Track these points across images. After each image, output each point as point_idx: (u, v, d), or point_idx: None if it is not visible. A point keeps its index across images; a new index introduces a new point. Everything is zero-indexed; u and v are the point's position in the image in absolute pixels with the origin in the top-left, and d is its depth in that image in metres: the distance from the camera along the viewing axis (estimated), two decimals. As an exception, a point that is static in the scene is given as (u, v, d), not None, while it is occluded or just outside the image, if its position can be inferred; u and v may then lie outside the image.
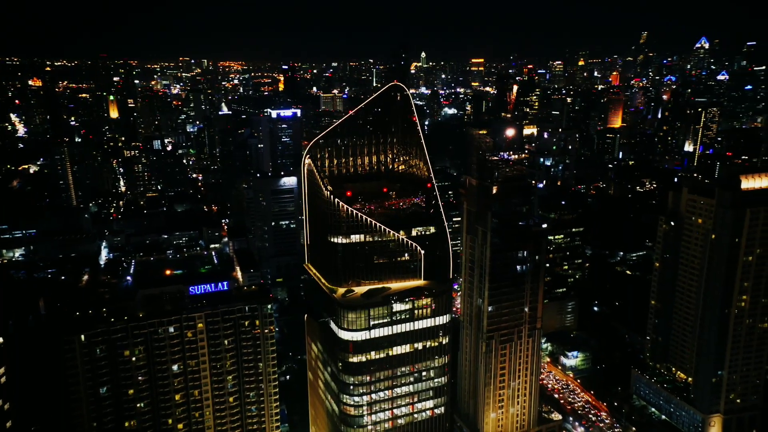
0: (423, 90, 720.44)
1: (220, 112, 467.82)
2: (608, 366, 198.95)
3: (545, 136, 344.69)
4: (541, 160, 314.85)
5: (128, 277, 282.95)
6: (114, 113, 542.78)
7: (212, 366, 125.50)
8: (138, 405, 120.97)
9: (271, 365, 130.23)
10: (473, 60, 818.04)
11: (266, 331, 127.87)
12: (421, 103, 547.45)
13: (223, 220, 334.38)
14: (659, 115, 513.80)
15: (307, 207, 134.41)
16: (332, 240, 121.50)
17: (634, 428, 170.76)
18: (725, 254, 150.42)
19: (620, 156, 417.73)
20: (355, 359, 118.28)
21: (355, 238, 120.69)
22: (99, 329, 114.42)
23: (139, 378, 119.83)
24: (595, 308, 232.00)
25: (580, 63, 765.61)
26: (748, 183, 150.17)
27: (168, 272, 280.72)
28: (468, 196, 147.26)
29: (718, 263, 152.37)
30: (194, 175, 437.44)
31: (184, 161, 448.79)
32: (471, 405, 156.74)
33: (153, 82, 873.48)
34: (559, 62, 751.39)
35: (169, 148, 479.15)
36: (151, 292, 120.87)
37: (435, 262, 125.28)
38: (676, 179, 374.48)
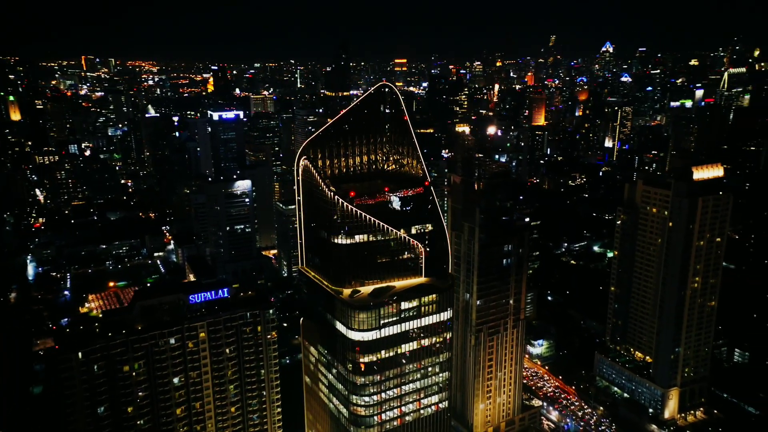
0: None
1: (147, 115, 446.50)
2: (570, 351, 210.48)
3: (499, 133, 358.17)
4: (496, 156, 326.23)
5: (65, 292, 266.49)
6: (15, 116, 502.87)
7: (214, 376, 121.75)
8: (138, 422, 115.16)
9: (273, 371, 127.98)
10: (396, 60, 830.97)
11: (268, 336, 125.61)
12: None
13: (164, 227, 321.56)
14: (576, 113, 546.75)
15: (303, 209, 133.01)
16: (335, 241, 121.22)
17: (601, 408, 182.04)
18: (682, 240, 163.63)
19: (548, 152, 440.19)
20: (365, 359, 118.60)
21: (358, 238, 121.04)
22: (98, 345, 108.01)
23: (140, 394, 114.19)
24: (549, 298, 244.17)
25: (498, 64, 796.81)
26: (699, 174, 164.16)
27: (111, 284, 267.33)
28: (453, 193, 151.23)
29: (676, 249, 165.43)
30: (123, 181, 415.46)
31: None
32: (458, 398, 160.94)
33: (54, 82, 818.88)
34: (479, 63, 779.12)
35: (88, 153, 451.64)
36: (150, 302, 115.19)
37: (434, 258, 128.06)
38: (600, 173, 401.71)
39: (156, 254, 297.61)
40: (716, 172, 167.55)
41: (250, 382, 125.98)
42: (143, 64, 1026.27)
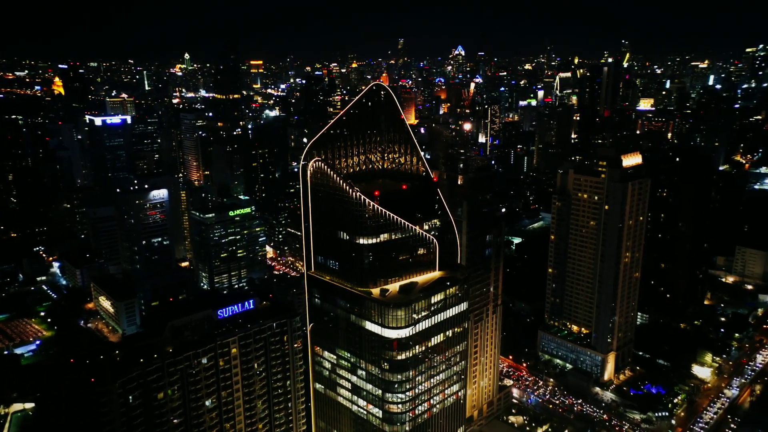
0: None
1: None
2: (509, 332, 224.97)
3: (422, 131, 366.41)
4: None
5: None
6: None
7: (244, 393, 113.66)
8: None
9: (299, 380, 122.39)
10: (252, 62, 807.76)
11: (295, 345, 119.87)
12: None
13: (38, 248, 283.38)
14: (441, 111, 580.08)
15: (312, 213, 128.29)
16: (359, 242, 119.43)
17: (551, 380, 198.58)
18: (617, 221, 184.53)
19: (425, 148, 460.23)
20: (402, 356, 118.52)
21: (382, 237, 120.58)
22: (134, 373, 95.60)
23: (174, 421, 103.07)
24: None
25: (354, 65, 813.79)
26: (626, 161, 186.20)
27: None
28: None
29: (612, 229, 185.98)
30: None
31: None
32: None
33: None
34: (335, 64, 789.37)
35: None
36: (180, 322, 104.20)
37: (445, 252, 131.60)
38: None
39: (39, 279, 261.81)
40: (637, 159, 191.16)
41: (277, 395, 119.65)
42: None
